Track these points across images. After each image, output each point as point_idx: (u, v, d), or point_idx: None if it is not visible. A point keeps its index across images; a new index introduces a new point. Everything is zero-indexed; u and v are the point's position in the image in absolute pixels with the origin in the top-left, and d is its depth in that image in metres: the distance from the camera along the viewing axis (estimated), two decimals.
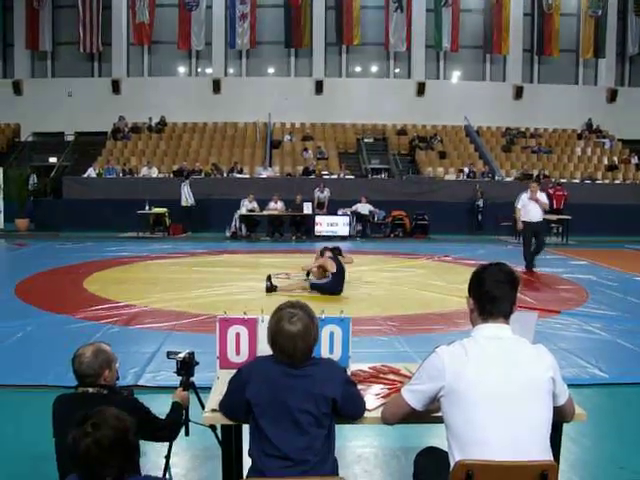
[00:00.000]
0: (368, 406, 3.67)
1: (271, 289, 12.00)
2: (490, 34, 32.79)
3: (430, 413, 3.33)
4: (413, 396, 3.26)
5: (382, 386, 4.08)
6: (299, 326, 3.40)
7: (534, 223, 15.26)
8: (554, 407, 3.15)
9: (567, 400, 3.28)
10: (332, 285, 11.98)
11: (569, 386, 3.35)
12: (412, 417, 3.37)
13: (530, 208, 15.23)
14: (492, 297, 3.21)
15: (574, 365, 7.71)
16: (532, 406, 3.02)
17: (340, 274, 12.11)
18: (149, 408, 3.86)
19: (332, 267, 12.09)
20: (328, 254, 12.51)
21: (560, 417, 3.31)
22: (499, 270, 3.27)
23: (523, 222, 15.33)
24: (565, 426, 3.64)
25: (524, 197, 15.40)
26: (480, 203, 24.96)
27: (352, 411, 3.53)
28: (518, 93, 33.45)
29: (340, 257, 12.75)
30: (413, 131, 32.27)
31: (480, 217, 25.05)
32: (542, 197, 15.46)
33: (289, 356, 3.37)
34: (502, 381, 3.01)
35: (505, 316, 3.23)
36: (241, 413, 3.43)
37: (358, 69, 34.69)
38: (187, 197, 23.55)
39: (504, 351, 3.11)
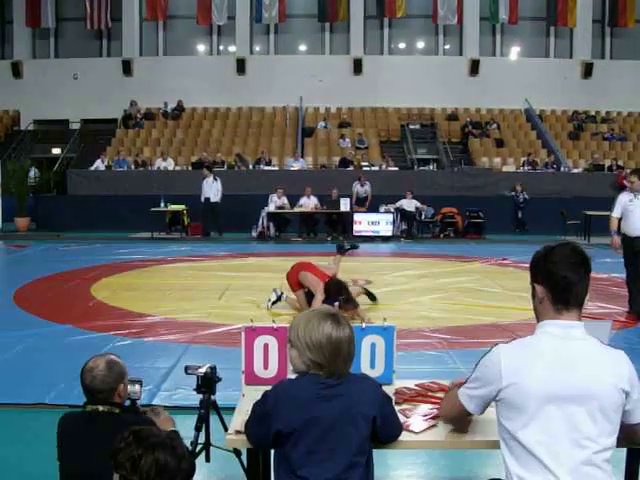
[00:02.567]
0: (414, 428, 3.66)
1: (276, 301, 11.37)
2: (554, 3, 32.53)
3: None
4: (470, 401, 3.28)
5: (431, 406, 4.05)
6: (347, 331, 3.37)
7: (635, 239, 11.04)
8: (626, 424, 3.12)
9: None
10: None
11: None
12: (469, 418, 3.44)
13: (633, 216, 10.98)
14: (569, 283, 3.11)
15: None
16: (596, 417, 2.99)
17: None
18: None
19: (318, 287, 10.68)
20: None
21: (630, 438, 3.27)
22: (572, 251, 3.17)
23: (622, 236, 11.19)
24: None
25: (624, 200, 11.02)
26: (521, 198, 24.73)
27: (390, 432, 3.51)
28: (587, 71, 33.18)
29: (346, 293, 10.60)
30: (465, 116, 32.15)
31: (520, 214, 24.84)
32: None
33: (334, 369, 3.33)
34: (568, 388, 2.98)
35: (580, 307, 3.16)
36: (268, 444, 3.40)
37: (402, 45, 34.67)
38: (220, 193, 23.33)
39: (574, 354, 3.06)
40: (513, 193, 24.94)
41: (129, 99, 31.83)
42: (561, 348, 3.06)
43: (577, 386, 2.98)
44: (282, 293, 11.34)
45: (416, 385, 4.40)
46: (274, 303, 11.35)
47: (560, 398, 2.97)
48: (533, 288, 3.25)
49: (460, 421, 3.59)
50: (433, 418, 3.84)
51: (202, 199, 23.14)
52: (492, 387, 3.12)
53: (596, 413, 2.97)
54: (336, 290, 10.25)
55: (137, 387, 4.03)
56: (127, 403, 3.95)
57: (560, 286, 3.13)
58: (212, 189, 23.19)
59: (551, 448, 2.94)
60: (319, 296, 10.29)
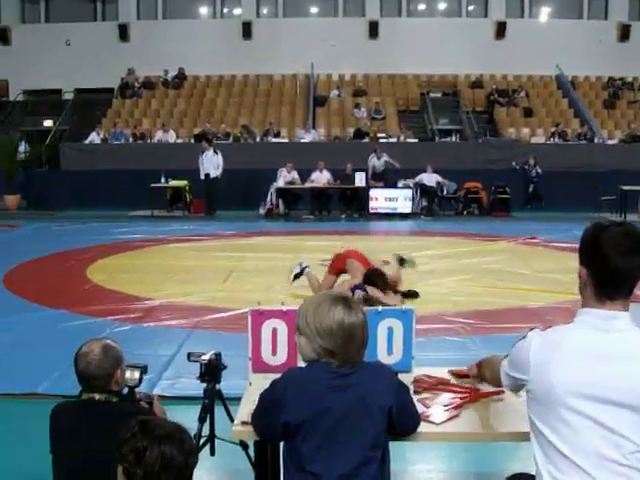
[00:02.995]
0: (435, 419, 3.67)
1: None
2: None
3: None
4: (506, 377, 3.28)
5: (453, 395, 4.05)
6: (360, 316, 3.36)
7: None
8: None
9: None
10: None
11: None
12: None
13: None
14: (616, 273, 2.95)
15: None
16: (634, 417, 2.94)
17: None
18: None
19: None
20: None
21: None
22: (624, 234, 2.96)
23: None
24: None
25: None
26: (533, 173, 24.57)
27: (407, 423, 3.50)
28: (624, 33, 32.94)
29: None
30: (491, 83, 31.98)
31: (532, 188, 24.67)
32: None
33: (347, 357, 3.32)
34: (602, 385, 2.93)
35: (627, 296, 3.02)
36: (277, 436, 3.40)
37: (422, 7, 34.52)
38: (220, 168, 23.33)
39: (614, 348, 2.95)
40: (526, 166, 24.78)
41: (126, 67, 31.76)
42: (599, 341, 2.96)
43: (614, 383, 2.89)
44: (307, 267, 11.24)
45: (450, 371, 4.38)
46: (296, 277, 11.08)
47: (594, 396, 2.89)
48: (580, 270, 3.08)
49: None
50: (455, 408, 3.84)
51: (202, 175, 23.14)
52: (521, 375, 3.10)
53: (634, 412, 2.89)
54: (375, 281, 9.99)
55: (136, 374, 4.04)
56: (125, 391, 3.97)
57: (605, 275, 2.97)
58: (212, 163, 23.18)
59: (583, 447, 2.89)
60: (351, 280, 10.23)
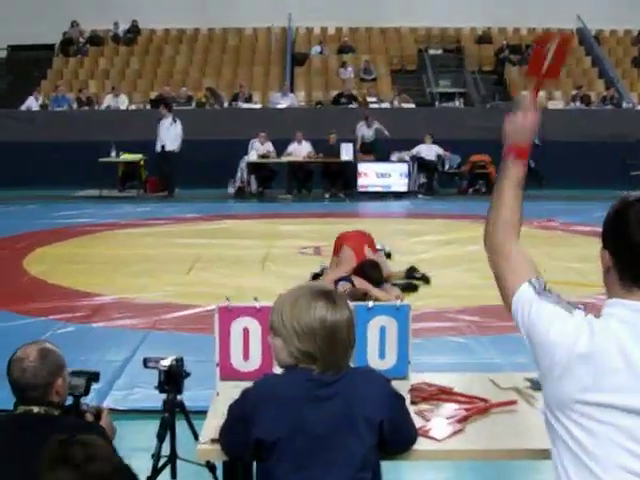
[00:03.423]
0: (436, 434, 3.67)
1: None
2: None
3: None
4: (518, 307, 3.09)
5: (457, 406, 4.07)
6: (346, 313, 3.32)
7: None
8: None
9: None
10: None
11: None
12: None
13: None
14: None
15: None
16: None
17: None
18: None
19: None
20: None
21: None
22: None
23: None
24: None
25: None
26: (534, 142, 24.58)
27: (401, 440, 3.50)
28: None
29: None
30: (501, 38, 32.08)
31: (533, 164, 24.76)
32: None
33: (330, 361, 3.29)
34: (631, 393, 2.92)
35: None
36: (248, 454, 3.38)
37: None
38: (179, 139, 23.25)
39: None
40: None
41: (69, 19, 31.66)
42: (628, 340, 2.90)
43: None
44: (327, 267, 11.25)
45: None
46: (315, 278, 11.01)
47: (621, 405, 2.87)
48: (602, 254, 3.03)
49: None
50: (460, 421, 3.85)
51: (158, 147, 23.01)
52: (548, 351, 2.94)
53: None
54: (367, 273, 10.17)
55: (82, 381, 4.02)
56: (70, 401, 3.96)
57: (630, 256, 2.95)
58: (169, 134, 22.99)
59: (608, 461, 2.92)
60: (336, 272, 10.32)
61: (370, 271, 10.20)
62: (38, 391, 3.70)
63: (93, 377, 4.10)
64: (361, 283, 9.79)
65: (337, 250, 10.95)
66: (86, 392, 4.05)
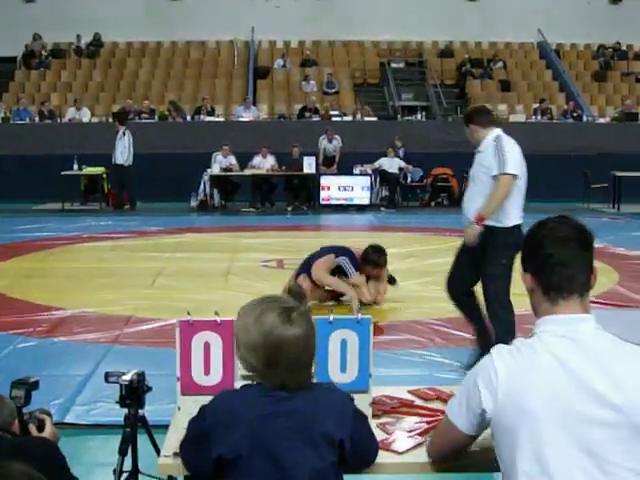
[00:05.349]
0: (397, 447, 3.66)
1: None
2: None
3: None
4: (460, 414, 3.21)
5: (418, 419, 4.07)
6: (303, 326, 3.25)
7: None
8: None
9: None
10: None
11: None
12: (465, 448, 3.36)
13: None
14: (558, 262, 3.05)
15: None
16: (621, 435, 2.96)
17: None
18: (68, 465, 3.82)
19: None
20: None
21: None
22: (561, 223, 3.13)
23: None
24: None
25: None
26: None
27: (363, 457, 3.47)
28: None
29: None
30: (463, 52, 32.24)
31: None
32: None
33: (272, 377, 3.24)
34: (579, 403, 2.93)
35: (581, 293, 3.08)
36: (208, 472, 3.31)
37: None
38: (126, 152, 23.13)
39: (585, 357, 2.96)
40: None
41: (31, 31, 31.55)
42: (565, 353, 2.98)
43: (592, 399, 2.90)
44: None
45: (409, 392, 4.41)
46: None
47: (569, 417, 2.90)
48: (523, 277, 3.21)
49: (458, 454, 3.45)
50: (421, 434, 3.85)
51: (113, 160, 22.92)
52: (483, 399, 3.06)
53: (621, 430, 2.90)
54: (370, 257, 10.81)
55: (22, 392, 3.98)
56: None
57: (547, 268, 3.08)
58: (118, 147, 22.95)
59: (562, 477, 2.93)
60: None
61: (373, 255, 10.72)
62: None
63: (32, 386, 4.05)
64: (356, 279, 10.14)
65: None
66: (26, 402, 4.00)
